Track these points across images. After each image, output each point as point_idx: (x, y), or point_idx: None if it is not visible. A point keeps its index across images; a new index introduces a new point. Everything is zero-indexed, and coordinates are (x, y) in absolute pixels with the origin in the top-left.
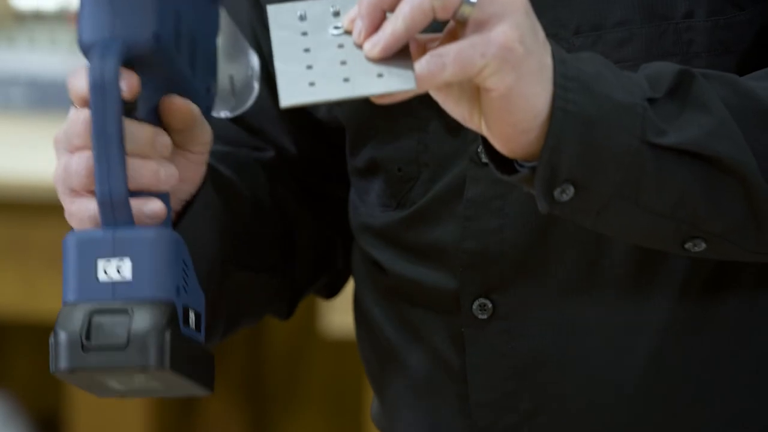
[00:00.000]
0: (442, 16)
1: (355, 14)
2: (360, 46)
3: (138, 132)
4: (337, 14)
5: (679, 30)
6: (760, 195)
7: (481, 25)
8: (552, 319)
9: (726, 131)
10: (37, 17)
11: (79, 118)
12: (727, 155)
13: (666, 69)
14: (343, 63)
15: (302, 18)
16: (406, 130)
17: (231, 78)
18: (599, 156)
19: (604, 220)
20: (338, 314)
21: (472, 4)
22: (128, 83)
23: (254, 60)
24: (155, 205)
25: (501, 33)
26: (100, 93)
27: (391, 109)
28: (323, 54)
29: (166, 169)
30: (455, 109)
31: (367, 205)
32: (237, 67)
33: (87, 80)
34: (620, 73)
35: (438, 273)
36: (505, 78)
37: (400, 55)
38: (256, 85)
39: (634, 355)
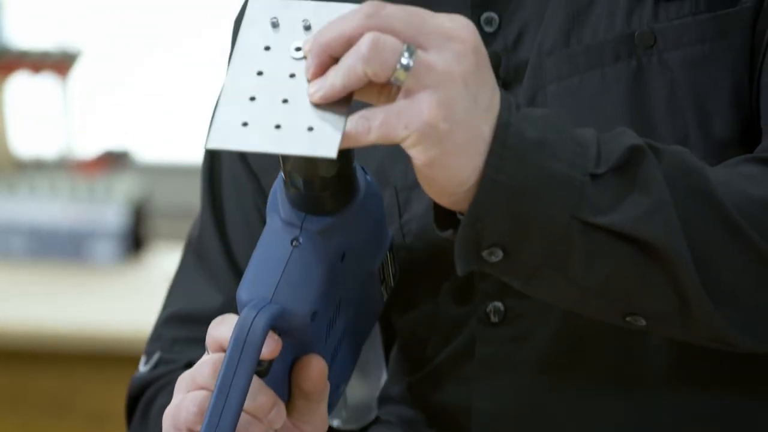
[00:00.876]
0: (376, 80)
1: (309, 46)
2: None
3: (261, 395)
4: (308, 29)
5: None
6: (689, 280)
7: (412, 94)
8: None
9: (661, 215)
10: (38, 165)
11: (211, 359)
12: (657, 240)
13: (621, 141)
14: (285, 101)
15: (274, 25)
16: (420, 297)
17: (353, 389)
18: (527, 226)
19: (535, 286)
20: None
21: (408, 69)
22: (270, 346)
23: (380, 384)
24: None
25: (426, 108)
26: (241, 346)
27: (405, 273)
28: (272, 83)
29: None
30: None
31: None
32: (362, 384)
33: (233, 330)
34: (570, 139)
35: None
36: (427, 151)
37: (341, 99)
38: (374, 414)
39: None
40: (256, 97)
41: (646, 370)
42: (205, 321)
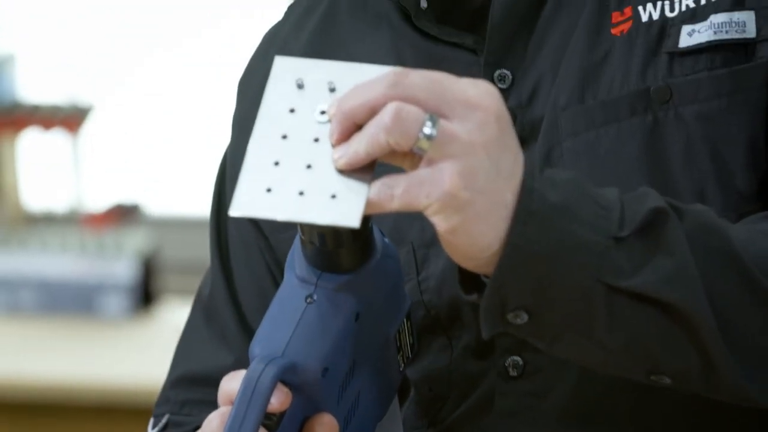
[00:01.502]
0: (399, 149)
1: (332, 112)
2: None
3: None
4: (333, 90)
5: None
6: (711, 340)
7: (434, 163)
8: None
9: (683, 277)
10: (48, 219)
11: (219, 412)
12: (680, 302)
13: (644, 202)
14: (309, 167)
15: (299, 86)
16: (437, 350)
17: None
18: (551, 290)
19: (559, 348)
20: None
21: (431, 139)
22: (280, 398)
23: None
24: None
25: (448, 178)
26: (248, 395)
27: (423, 330)
28: (296, 147)
29: None
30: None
31: None
32: None
33: (241, 381)
34: (593, 201)
35: None
36: (449, 220)
37: (365, 166)
38: None
39: None
40: (280, 161)
41: (667, 424)
42: (215, 382)
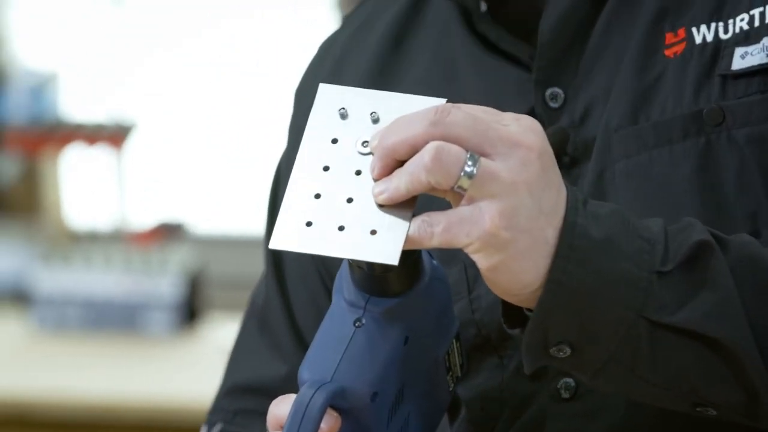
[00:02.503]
0: (439, 188)
1: (374, 146)
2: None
3: None
4: (376, 122)
5: None
6: (756, 375)
7: (475, 201)
8: None
9: (728, 312)
10: (93, 237)
11: None
12: (725, 337)
13: (689, 235)
14: (350, 201)
15: (343, 116)
16: (489, 370)
17: None
18: (593, 326)
19: (603, 381)
20: None
21: (471, 177)
22: (329, 422)
23: None
24: None
25: (488, 218)
26: (298, 420)
27: (474, 349)
28: (338, 180)
29: None
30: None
31: None
32: None
33: (291, 406)
34: (637, 235)
35: None
36: (489, 258)
37: (405, 202)
38: None
39: None
40: (322, 194)
41: None
42: (268, 392)
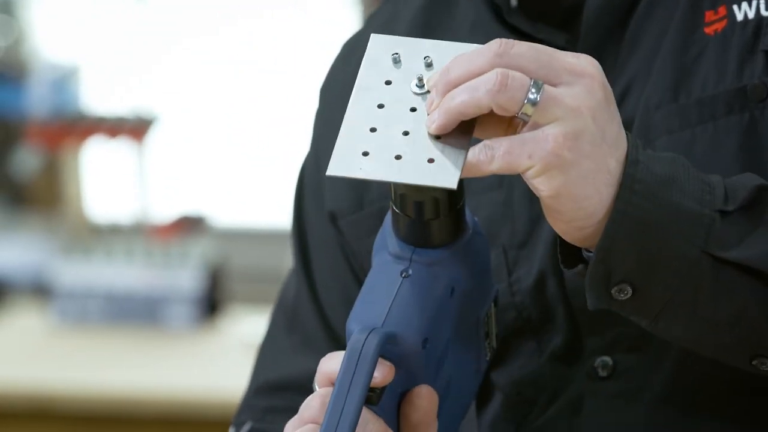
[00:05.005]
0: (503, 114)
1: (435, 81)
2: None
3: (372, 425)
4: (429, 66)
5: None
6: None
7: (538, 126)
8: None
9: None
10: (114, 230)
11: (319, 393)
12: None
13: (746, 181)
14: (406, 134)
15: (395, 60)
16: (526, 354)
17: None
18: (656, 261)
19: (664, 325)
20: None
21: (535, 104)
22: (383, 371)
23: None
24: None
25: (552, 138)
26: (353, 364)
27: (513, 333)
28: (393, 115)
29: None
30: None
31: None
32: None
33: (342, 360)
34: (698, 178)
35: None
36: (552, 181)
37: (462, 132)
38: None
39: None
40: (377, 128)
41: (759, 426)
42: (298, 389)
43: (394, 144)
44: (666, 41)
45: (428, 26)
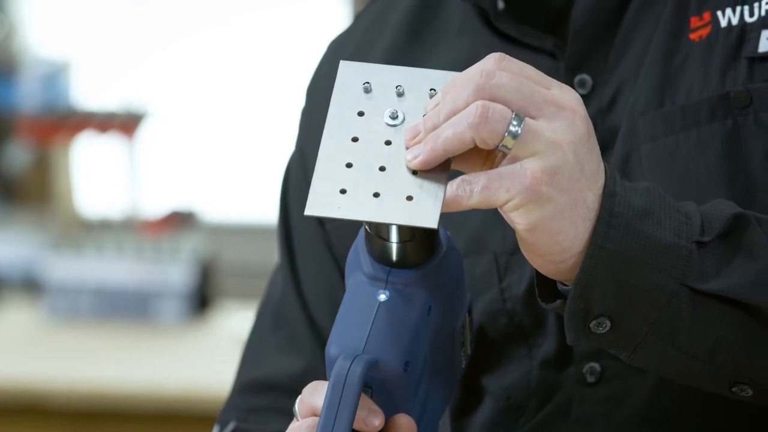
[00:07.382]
0: (483, 147)
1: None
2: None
3: None
4: (401, 95)
5: None
6: None
7: (517, 160)
8: None
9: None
10: (104, 225)
11: (304, 423)
12: (765, 304)
13: (723, 209)
14: (382, 169)
15: (366, 90)
16: (516, 360)
17: None
18: (635, 294)
19: (642, 356)
20: None
21: (516, 137)
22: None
23: None
24: None
25: (530, 173)
26: (339, 394)
27: (503, 339)
28: (368, 149)
29: None
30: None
31: None
32: None
33: (329, 381)
34: (674, 208)
35: None
36: (529, 215)
37: (440, 167)
38: None
39: None
40: (353, 163)
41: (748, 429)
42: (283, 388)
43: (371, 181)
44: (653, 46)
45: (415, 28)
